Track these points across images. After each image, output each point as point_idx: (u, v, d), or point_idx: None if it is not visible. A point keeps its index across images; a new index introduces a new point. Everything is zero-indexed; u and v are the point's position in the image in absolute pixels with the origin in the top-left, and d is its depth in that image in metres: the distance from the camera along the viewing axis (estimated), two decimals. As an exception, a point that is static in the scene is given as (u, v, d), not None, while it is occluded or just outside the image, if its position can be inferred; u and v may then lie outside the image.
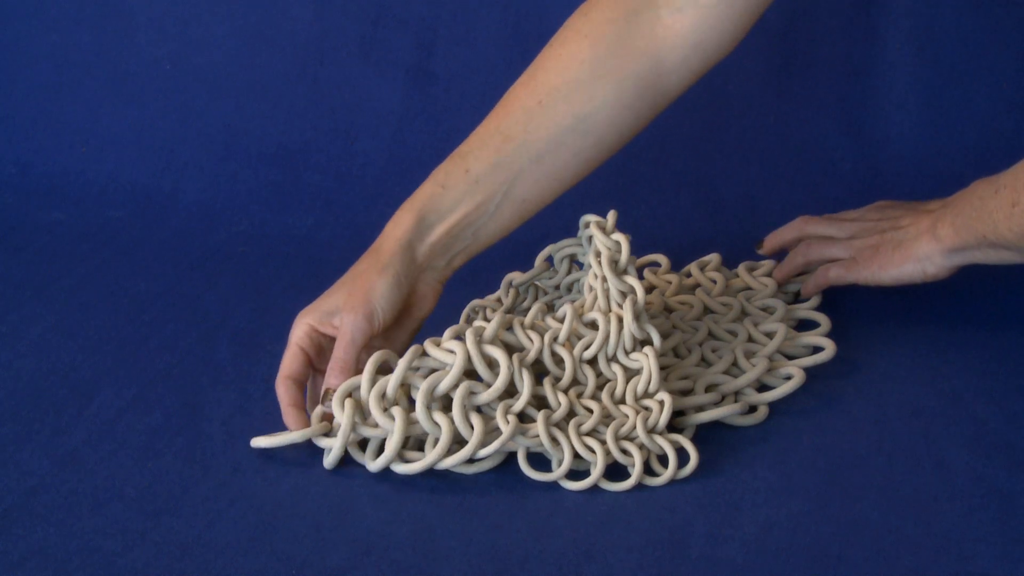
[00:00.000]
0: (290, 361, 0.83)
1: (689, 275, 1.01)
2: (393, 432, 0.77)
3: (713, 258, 1.03)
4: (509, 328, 0.83)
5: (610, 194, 1.20)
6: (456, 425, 0.77)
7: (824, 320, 0.95)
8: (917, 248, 0.91)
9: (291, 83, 1.26)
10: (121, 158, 1.28)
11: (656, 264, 1.04)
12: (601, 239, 0.86)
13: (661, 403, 0.80)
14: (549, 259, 0.95)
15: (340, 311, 0.84)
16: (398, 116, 1.24)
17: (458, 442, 0.78)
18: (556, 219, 1.06)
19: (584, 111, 0.88)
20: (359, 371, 0.82)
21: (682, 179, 1.20)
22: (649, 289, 0.99)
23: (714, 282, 0.99)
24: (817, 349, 0.91)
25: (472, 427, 0.77)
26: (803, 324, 0.96)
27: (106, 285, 1.08)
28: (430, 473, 0.78)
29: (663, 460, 0.78)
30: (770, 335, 0.92)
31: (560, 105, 0.88)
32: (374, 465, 0.78)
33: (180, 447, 0.81)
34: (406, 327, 0.88)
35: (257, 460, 0.80)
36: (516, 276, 0.96)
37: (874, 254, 0.93)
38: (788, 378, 0.87)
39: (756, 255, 1.06)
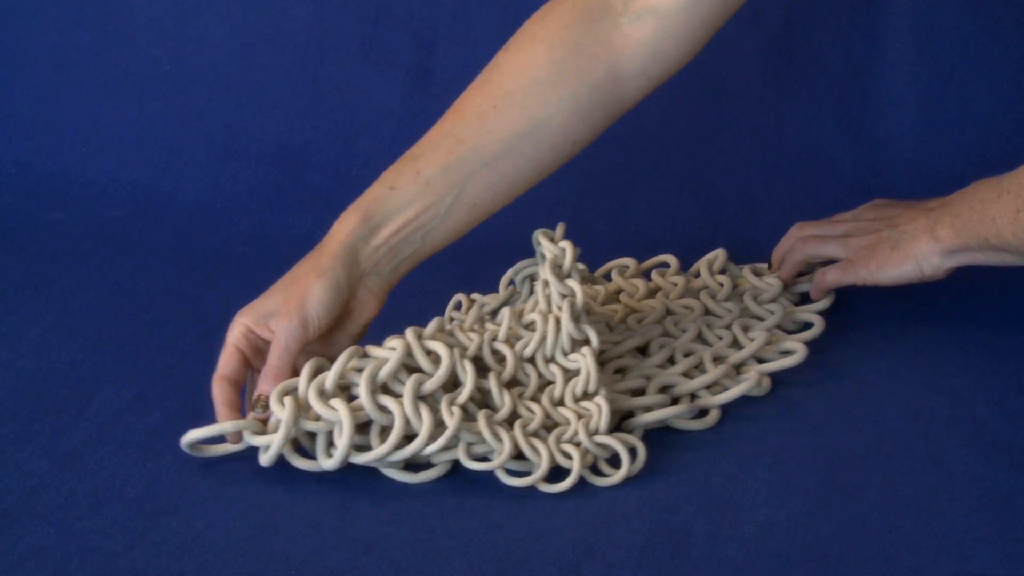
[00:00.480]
0: (226, 361, 0.82)
1: (698, 275, 1.00)
2: (343, 422, 0.76)
3: (719, 254, 1.02)
4: (451, 335, 0.83)
5: (610, 194, 1.20)
6: (406, 411, 0.77)
7: (818, 323, 0.94)
8: (915, 248, 0.91)
9: (291, 83, 1.26)
10: (121, 158, 1.28)
11: (665, 265, 1.03)
12: (548, 246, 0.87)
13: (599, 406, 0.80)
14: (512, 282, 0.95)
15: (275, 315, 0.82)
16: (398, 116, 1.24)
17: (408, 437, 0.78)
18: (557, 220, 1.06)
19: (538, 117, 0.87)
20: (295, 376, 0.81)
21: (682, 179, 1.20)
22: (653, 292, 0.99)
23: (721, 285, 0.99)
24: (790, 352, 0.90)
25: (421, 416, 0.77)
26: (807, 325, 0.96)
27: (106, 285, 1.08)
28: (430, 473, 0.78)
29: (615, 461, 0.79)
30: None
31: (514, 110, 0.87)
32: (330, 462, 0.77)
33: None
34: (347, 332, 0.85)
35: (257, 460, 0.80)
36: (486, 300, 0.95)
37: (871, 254, 0.93)
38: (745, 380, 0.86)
39: (755, 255, 1.06)
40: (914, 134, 1.16)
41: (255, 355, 0.83)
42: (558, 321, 0.83)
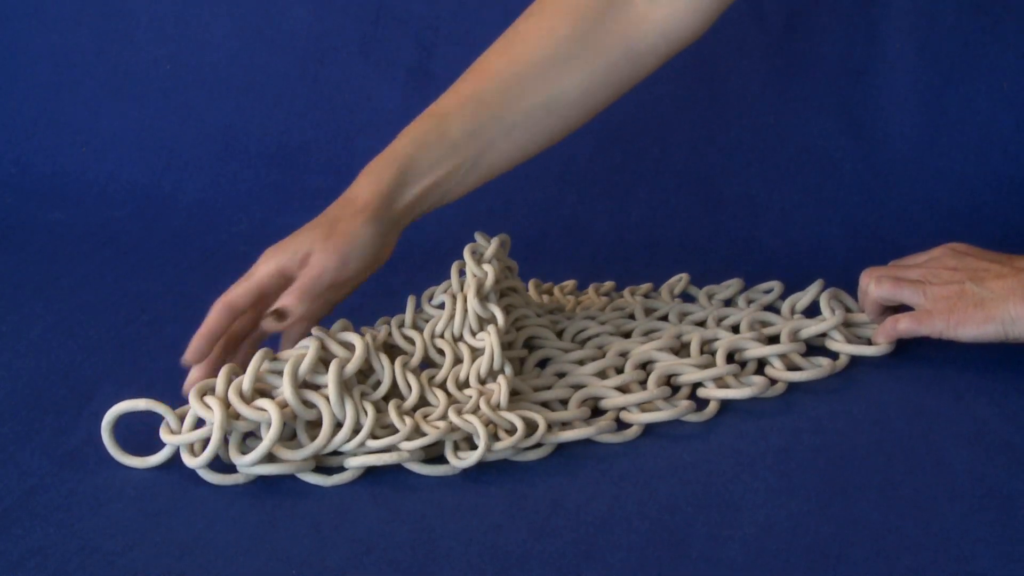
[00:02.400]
0: (241, 293, 0.83)
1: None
2: (271, 417, 0.77)
3: (682, 278, 1.02)
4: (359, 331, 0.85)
5: (610, 193, 1.20)
6: (332, 397, 0.77)
7: (820, 367, 0.89)
8: (1004, 310, 0.85)
9: (291, 83, 1.26)
10: (121, 158, 1.28)
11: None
12: (480, 239, 0.90)
13: (500, 384, 0.82)
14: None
15: (313, 250, 0.84)
16: (398, 116, 1.23)
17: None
18: (557, 220, 1.06)
19: (556, 90, 0.90)
20: (313, 314, 0.83)
21: (682, 179, 1.20)
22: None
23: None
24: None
25: (344, 404, 0.78)
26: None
27: (106, 285, 1.08)
28: (430, 474, 0.78)
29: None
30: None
31: (536, 81, 0.90)
32: (248, 458, 0.76)
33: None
34: (355, 282, 0.88)
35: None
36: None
37: (951, 307, 0.86)
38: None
39: (756, 255, 1.06)
40: (914, 134, 1.16)
41: (274, 296, 0.84)
42: (465, 300, 0.86)
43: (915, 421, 0.83)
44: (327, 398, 0.78)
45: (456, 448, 0.79)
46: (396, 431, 0.78)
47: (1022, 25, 1.14)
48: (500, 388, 0.82)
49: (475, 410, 0.80)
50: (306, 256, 0.85)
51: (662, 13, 0.89)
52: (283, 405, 0.78)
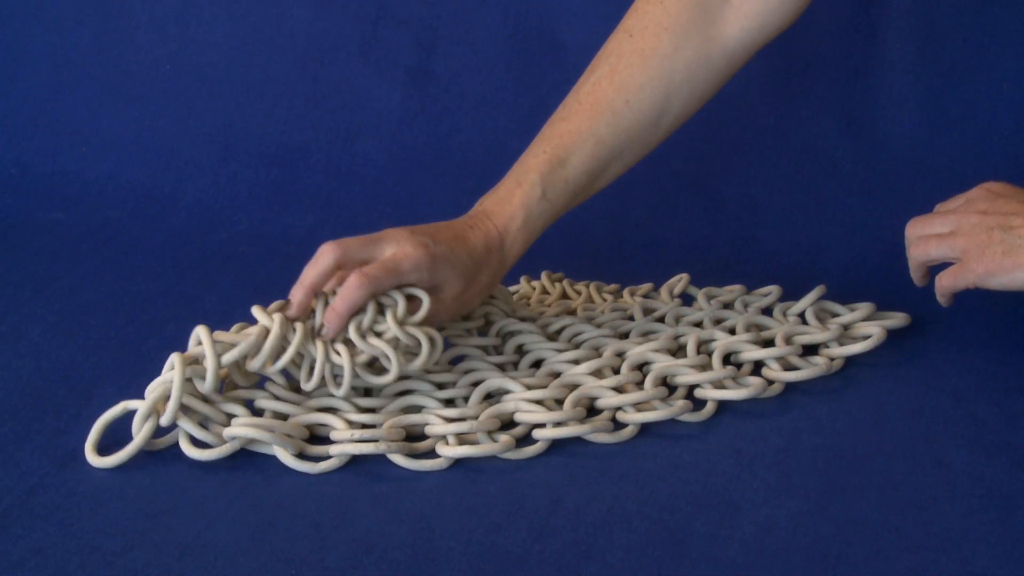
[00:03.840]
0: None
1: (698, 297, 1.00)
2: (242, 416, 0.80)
3: (682, 278, 1.03)
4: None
5: (610, 193, 1.20)
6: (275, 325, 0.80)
7: (816, 366, 0.89)
8: None
9: (291, 83, 1.26)
10: (121, 158, 1.28)
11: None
12: None
13: (395, 299, 0.83)
14: None
15: (435, 257, 0.83)
16: (398, 116, 1.24)
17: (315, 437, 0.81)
18: (557, 220, 1.06)
19: (664, 108, 0.92)
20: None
21: (682, 179, 1.20)
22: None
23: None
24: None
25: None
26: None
27: (106, 285, 1.08)
28: (430, 473, 0.78)
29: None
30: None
31: (645, 104, 0.91)
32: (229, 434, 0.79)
33: (179, 447, 0.80)
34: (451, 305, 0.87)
35: (257, 460, 0.80)
36: None
37: (980, 255, 0.84)
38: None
39: (756, 255, 1.06)
40: (914, 134, 1.16)
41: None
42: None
43: (915, 421, 0.83)
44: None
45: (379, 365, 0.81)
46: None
47: (1022, 25, 1.14)
48: (396, 304, 0.82)
49: (374, 322, 0.82)
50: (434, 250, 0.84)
51: (756, 7, 0.91)
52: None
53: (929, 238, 0.88)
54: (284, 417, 0.82)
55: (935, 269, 0.89)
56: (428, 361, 0.83)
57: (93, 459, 0.79)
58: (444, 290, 0.85)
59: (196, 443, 0.80)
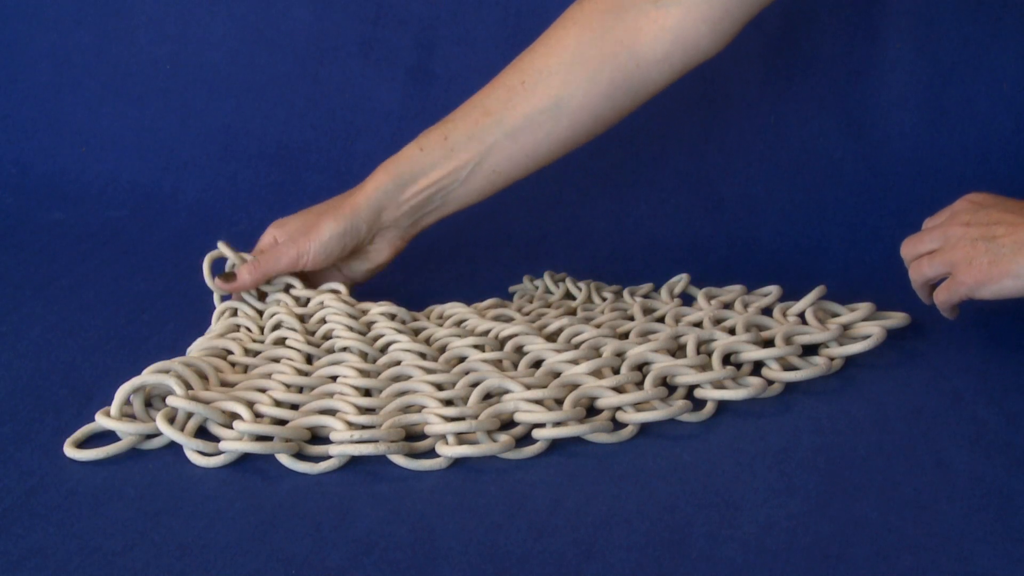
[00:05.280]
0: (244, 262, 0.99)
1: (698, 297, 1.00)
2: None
3: (682, 278, 1.03)
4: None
5: (610, 193, 1.20)
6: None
7: (819, 364, 0.89)
8: (1016, 264, 0.83)
9: (291, 83, 1.26)
10: (121, 158, 1.28)
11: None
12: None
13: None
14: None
15: (286, 236, 0.97)
16: (398, 116, 1.24)
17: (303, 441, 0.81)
18: (557, 220, 1.06)
19: (560, 94, 0.93)
20: (256, 284, 0.97)
21: (682, 179, 1.20)
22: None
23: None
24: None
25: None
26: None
27: (106, 285, 1.08)
28: (430, 473, 0.78)
29: None
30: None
31: (539, 87, 0.93)
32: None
33: (179, 446, 0.80)
34: (360, 265, 0.99)
35: (257, 460, 0.80)
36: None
37: (968, 268, 0.85)
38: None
39: (755, 255, 1.05)
40: (914, 134, 1.16)
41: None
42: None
43: (915, 421, 0.83)
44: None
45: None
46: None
47: (1022, 25, 1.14)
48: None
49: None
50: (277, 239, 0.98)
51: (672, 21, 0.91)
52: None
53: (922, 258, 0.89)
54: (283, 422, 0.82)
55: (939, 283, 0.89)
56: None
57: (107, 423, 0.81)
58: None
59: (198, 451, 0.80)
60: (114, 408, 0.82)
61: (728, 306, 0.99)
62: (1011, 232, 0.84)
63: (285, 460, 0.79)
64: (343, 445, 0.79)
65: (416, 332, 0.93)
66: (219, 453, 0.79)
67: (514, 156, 0.95)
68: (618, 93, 0.93)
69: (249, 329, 0.95)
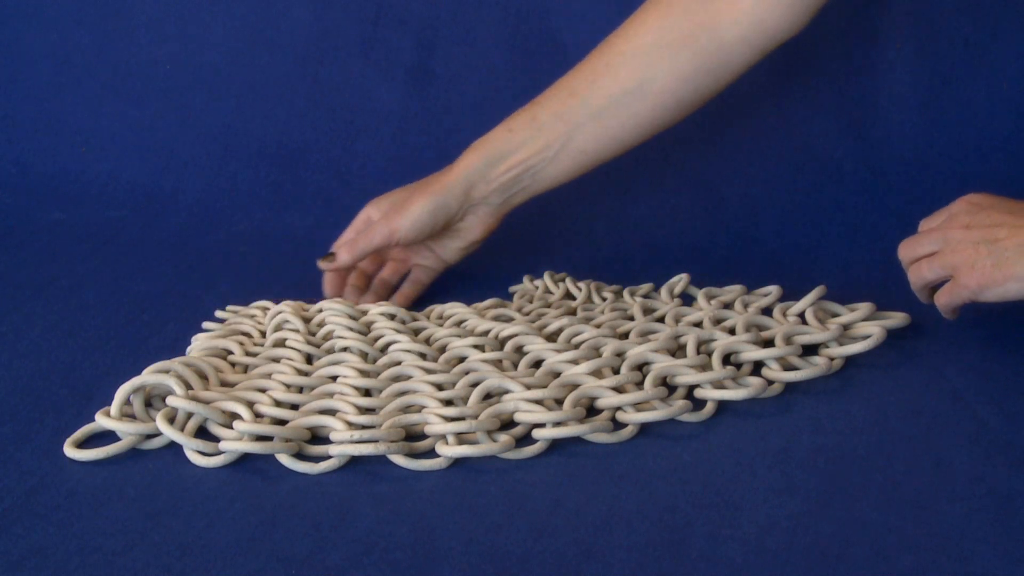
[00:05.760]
0: (341, 240, 1.03)
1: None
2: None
3: (682, 278, 1.03)
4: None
5: (610, 193, 1.20)
6: None
7: (817, 365, 0.89)
8: (1020, 266, 0.82)
9: (291, 83, 1.26)
10: (121, 158, 1.28)
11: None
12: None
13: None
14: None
15: (382, 213, 1.01)
16: (398, 116, 1.24)
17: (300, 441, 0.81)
18: (557, 220, 1.06)
19: (644, 76, 0.96)
20: (354, 261, 1.00)
21: (682, 179, 1.20)
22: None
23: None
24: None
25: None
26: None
27: (106, 285, 1.08)
28: (430, 473, 0.79)
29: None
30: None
31: (622, 69, 0.96)
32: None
33: (179, 446, 0.80)
34: (452, 244, 1.03)
35: (257, 460, 0.80)
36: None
37: (971, 271, 0.84)
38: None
39: (756, 255, 1.06)
40: (914, 134, 1.16)
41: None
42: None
43: (915, 421, 0.83)
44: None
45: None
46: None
47: (1022, 25, 1.14)
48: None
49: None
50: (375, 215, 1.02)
51: (750, 2, 0.93)
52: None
53: (921, 260, 0.89)
54: (283, 422, 0.82)
55: (938, 285, 0.89)
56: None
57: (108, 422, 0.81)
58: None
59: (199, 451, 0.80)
60: (114, 408, 0.82)
61: (728, 306, 0.99)
62: (1014, 234, 0.83)
63: (285, 460, 0.79)
64: (343, 445, 0.79)
65: (416, 332, 0.93)
66: (219, 453, 0.79)
67: (600, 137, 0.98)
68: (700, 76, 0.96)
69: (249, 335, 0.95)
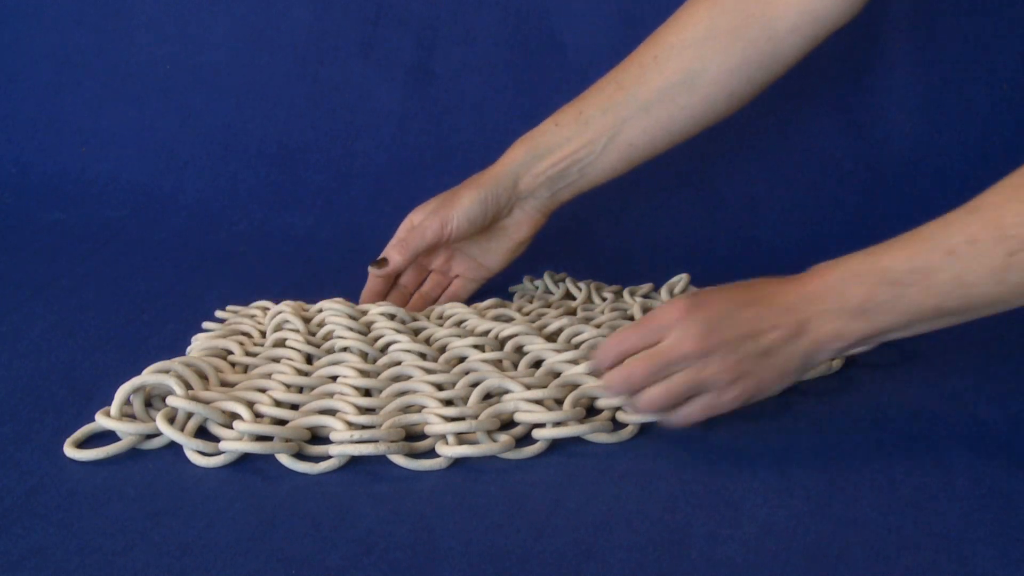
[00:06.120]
0: (389, 249, 1.00)
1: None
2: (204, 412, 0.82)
3: (682, 279, 1.03)
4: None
5: (610, 193, 1.20)
6: None
7: None
8: (803, 359, 0.76)
9: (291, 83, 1.26)
10: (121, 158, 1.28)
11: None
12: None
13: None
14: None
15: (428, 211, 0.98)
16: (398, 116, 1.24)
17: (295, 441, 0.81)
18: (557, 220, 1.06)
19: (694, 68, 0.93)
20: (407, 262, 0.99)
21: (683, 178, 1.20)
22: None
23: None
24: None
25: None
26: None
27: (106, 285, 1.08)
28: (430, 473, 0.78)
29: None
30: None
31: (672, 61, 0.94)
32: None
33: (180, 446, 0.80)
34: (499, 245, 1.01)
35: (257, 460, 0.80)
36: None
37: (746, 379, 0.76)
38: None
39: (756, 255, 1.05)
40: (914, 134, 1.16)
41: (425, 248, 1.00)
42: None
43: (914, 421, 0.83)
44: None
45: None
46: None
47: (1022, 25, 1.14)
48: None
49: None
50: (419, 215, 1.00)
51: None
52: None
53: (656, 385, 0.76)
54: (283, 422, 0.82)
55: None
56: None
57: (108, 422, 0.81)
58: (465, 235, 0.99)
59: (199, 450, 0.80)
60: (114, 408, 0.82)
61: None
62: (776, 326, 0.75)
63: (285, 460, 0.79)
64: (343, 445, 0.79)
65: (416, 332, 0.93)
66: (219, 453, 0.79)
67: (649, 130, 0.96)
68: (751, 67, 0.94)
69: (249, 335, 0.95)
